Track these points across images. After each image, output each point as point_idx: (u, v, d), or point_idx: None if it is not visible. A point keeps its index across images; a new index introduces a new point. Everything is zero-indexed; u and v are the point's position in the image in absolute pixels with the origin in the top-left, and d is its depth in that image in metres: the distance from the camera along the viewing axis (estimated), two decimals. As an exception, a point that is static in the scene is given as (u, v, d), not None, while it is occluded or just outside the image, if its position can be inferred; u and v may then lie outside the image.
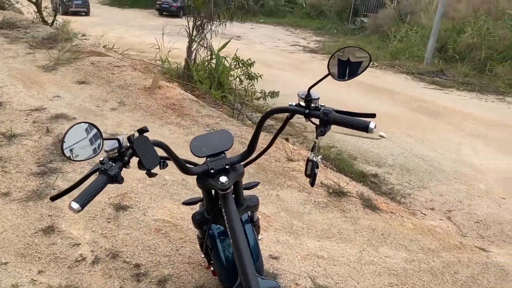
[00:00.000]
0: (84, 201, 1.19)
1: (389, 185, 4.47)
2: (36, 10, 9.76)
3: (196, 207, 1.97)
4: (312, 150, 1.46)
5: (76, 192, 1.20)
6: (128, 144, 1.30)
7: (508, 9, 12.20)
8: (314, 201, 3.43)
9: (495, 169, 5.19)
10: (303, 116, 1.43)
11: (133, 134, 1.30)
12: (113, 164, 1.25)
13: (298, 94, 1.44)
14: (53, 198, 1.27)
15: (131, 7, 27.49)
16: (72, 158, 1.26)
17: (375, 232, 3.16)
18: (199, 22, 6.81)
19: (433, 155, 5.48)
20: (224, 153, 1.65)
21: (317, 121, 1.40)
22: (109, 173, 1.23)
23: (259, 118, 1.55)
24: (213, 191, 1.70)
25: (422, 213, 3.87)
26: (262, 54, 12.50)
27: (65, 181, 3.23)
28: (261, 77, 5.54)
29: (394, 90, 9.16)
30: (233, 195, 1.68)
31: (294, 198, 3.44)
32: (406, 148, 5.66)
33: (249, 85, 5.68)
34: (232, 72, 6.31)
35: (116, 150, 1.26)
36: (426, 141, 6.00)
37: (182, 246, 2.68)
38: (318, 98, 1.41)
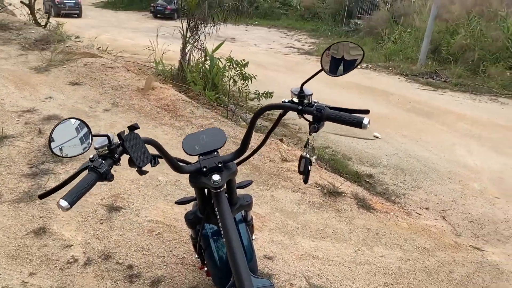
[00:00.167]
0: (73, 198, 1.16)
1: (383, 185, 4.46)
2: (29, 12, 9.71)
3: (189, 207, 1.95)
4: (305, 147, 1.45)
5: (65, 190, 1.17)
6: (118, 141, 1.27)
7: (500, 11, 12.28)
8: (309, 201, 3.41)
9: (489, 169, 5.20)
10: (296, 113, 1.42)
11: (123, 131, 1.28)
12: (103, 161, 1.22)
13: (291, 91, 1.42)
14: (41, 196, 1.24)
15: (125, 10, 27.42)
16: (60, 155, 1.24)
17: (370, 232, 3.15)
18: (193, 24, 6.80)
19: (428, 155, 5.49)
20: (217, 151, 1.64)
21: (310, 117, 1.39)
22: (98, 170, 1.20)
23: (252, 115, 1.53)
24: (206, 190, 1.68)
25: (416, 212, 3.86)
26: (256, 56, 12.50)
27: (57, 183, 3.18)
28: (255, 78, 5.53)
29: (388, 91, 9.18)
30: (226, 194, 1.66)
31: (288, 198, 3.42)
32: (400, 148, 5.67)
33: (243, 86, 5.66)
34: (226, 73, 6.29)
35: (106, 147, 1.24)
36: (420, 142, 6.01)
37: (175, 247, 2.65)
38: (311, 94, 1.40)
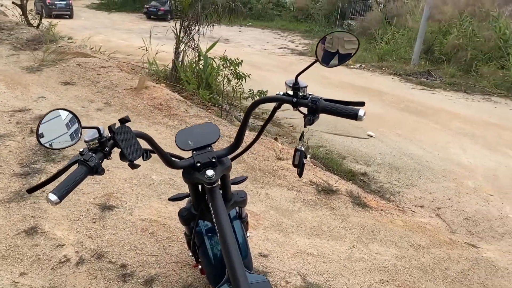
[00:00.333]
0: (63, 192, 1.12)
1: (378, 183, 4.46)
2: (21, 13, 9.65)
3: (183, 204, 1.92)
4: (300, 139, 1.43)
5: (54, 186, 1.14)
6: (109, 134, 1.25)
7: (492, 11, 12.37)
8: (304, 199, 3.40)
9: (483, 166, 5.22)
10: (290, 105, 1.40)
11: (114, 124, 1.26)
12: (93, 154, 1.19)
13: (285, 83, 1.41)
14: (30, 191, 1.21)
15: (118, 11, 27.31)
16: (48, 146, 1.21)
17: (365, 229, 3.14)
18: (186, 23, 6.77)
19: (422, 153, 5.49)
20: (211, 146, 1.61)
21: (305, 110, 1.37)
22: (89, 164, 1.17)
23: (246, 109, 1.51)
24: (200, 186, 1.66)
25: (411, 210, 3.86)
26: (250, 56, 12.48)
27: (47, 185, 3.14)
28: (249, 77, 5.51)
29: (382, 90, 9.20)
30: (220, 190, 1.64)
31: (283, 197, 3.40)
32: (394, 147, 5.67)
33: (237, 85, 5.64)
34: (220, 73, 6.27)
35: (97, 141, 1.21)
36: (414, 140, 6.02)
37: (169, 246, 2.62)
38: (306, 86, 1.38)
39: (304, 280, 2.47)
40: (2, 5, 11.11)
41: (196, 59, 6.92)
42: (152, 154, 1.42)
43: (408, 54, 13.16)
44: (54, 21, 9.57)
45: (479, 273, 2.84)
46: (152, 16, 23.90)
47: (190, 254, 2.15)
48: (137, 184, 3.28)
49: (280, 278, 2.46)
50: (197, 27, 6.82)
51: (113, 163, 3.42)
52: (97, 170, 1.19)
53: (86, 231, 2.69)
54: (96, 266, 2.41)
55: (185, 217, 1.77)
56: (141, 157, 1.33)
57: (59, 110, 1.23)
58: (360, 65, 12.41)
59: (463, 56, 11.70)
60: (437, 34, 13.11)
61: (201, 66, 6.80)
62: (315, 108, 1.33)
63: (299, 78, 1.37)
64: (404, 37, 14.34)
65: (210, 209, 1.51)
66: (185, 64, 6.97)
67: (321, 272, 2.58)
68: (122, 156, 1.26)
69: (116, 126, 1.25)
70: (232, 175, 1.66)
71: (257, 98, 5.50)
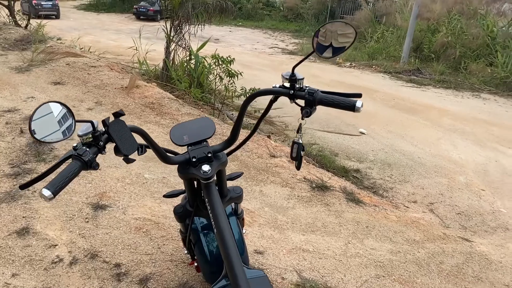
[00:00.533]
0: (56, 188, 1.10)
1: (371, 180, 4.47)
2: (8, 14, 9.54)
3: (178, 201, 1.90)
4: (297, 132, 1.42)
5: (46, 182, 1.11)
6: (103, 128, 1.23)
7: (480, 9, 12.50)
8: (298, 196, 3.39)
9: (474, 162, 5.26)
10: (287, 98, 1.38)
11: (108, 118, 1.23)
12: (87, 149, 1.17)
13: (282, 75, 1.39)
14: (22, 187, 1.18)
15: (107, 12, 27.11)
16: (40, 140, 1.18)
17: (359, 225, 3.14)
18: (177, 22, 6.73)
19: (413, 150, 5.52)
20: (206, 141, 1.59)
21: (302, 102, 1.36)
22: (83, 158, 1.15)
23: (242, 102, 1.49)
24: (195, 182, 1.64)
25: (405, 206, 3.87)
26: (241, 56, 12.45)
27: (39, 182, 3.10)
28: (241, 75, 5.49)
29: (372, 88, 9.23)
30: (216, 186, 1.62)
31: (277, 193, 3.39)
32: (386, 143, 5.69)
33: (229, 83, 5.61)
34: (213, 71, 6.23)
35: (90, 135, 1.19)
36: (405, 137, 6.05)
37: (164, 244, 2.60)
38: (303, 79, 1.37)
39: (300, 276, 2.47)
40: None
41: (187, 58, 6.88)
42: (147, 150, 1.39)
43: (397, 52, 13.24)
44: (43, 21, 9.48)
45: (473, 266, 2.86)
46: (141, 17, 23.76)
47: (186, 251, 2.12)
48: (130, 183, 3.24)
49: (276, 275, 2.45)
50: (187, 26, 6.78)
51: (105, 162, 3.38)
52: (92, 164, 1.17)
53: (79, 231, 2.66)
54: (90, 266, 2.37)
55: (180, 214, 1.75)
56: (136, 152, 1.31)
57: (52, 103, 1.20)
58: (351, 64, 12.46)
59: (452, 53, 11.80)
60: (426, 32, 13.21)
61: (192, 65, 6.77)
62: (312, 100, 1.32)
63: (295, 70, 1.36)
64: (393, 35, 14.43)
65: (206, 205, 1.49)
66: (176, 63, 6.93)
67: (317, 268, 2.57)
68: (117, 151, 1.23)
69: (110, 120, 1.23)
70: (226, 172, 1.64)
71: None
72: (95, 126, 1.19)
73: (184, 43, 6.83)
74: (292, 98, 1.36)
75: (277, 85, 1.41)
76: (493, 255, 3.07)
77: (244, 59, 11.52)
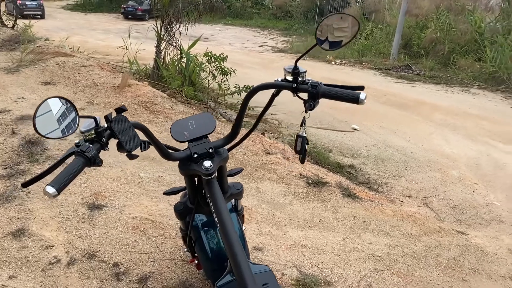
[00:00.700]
0: (61, 185, 1.08)
1: (365, 175, 4.48)
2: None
3: (175, 199, 1.89)
4: (301, 125, 1.41)
5: (46, 180, 1.09)
6: (106, 124, 1.21)
7: (468, 5, 12.62)
8: (294, 192, 3.39)
9: (466, 156, 5.31)
10: (290, 91, 1.37)
11: (111, 113, 1.22)
12: (90, 145, 1.16)
13: (284, 69, 1.39)
14: (25, 185, 1.16)
15: (94, 12, 26.85)
16: (45, 136, 1.16)
17: (356, 220, 3.15)
18: (167, 21, 6.69)
19: (406, 145, 5.56)
20: (207, 137, 1.58)
21: (305, 95, 1.35)
22: (86, 155, 1.13)
23: (244, 97, 1.48)
24: (196, 179, 1.63)
25: (400, 200, 3.89)
26: (231, 54, 12.32)
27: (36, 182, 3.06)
28: (234, 72, 5.46)
29: (363, 85, 9.25)
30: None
31: (274, 190, 3.39)
32: (379, 139, 5.72)
33: (222, 81, 5.59)
34: (206, 69, 6.18)
35: (93, 131, 1.17)
36: (398, 132, 6.09)
37: (162, 243, 2.58)
38: (305, 72, 1.36)
39: (300, 272, 2.47)
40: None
41: (178, 57, 6.83)
42: (149, 146, 1.38)
43: (387, 49, 13.32)
44: (32, 21, 9.36)
45: (470, 259, 2.88)
46: (129, 16, 23.59)
47: (185, 249, 2.11)
48: (125, 182, 3.22)
49: (276, 271, 2.44)
50: (178, 25, 6.74)
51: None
52: (95, 161, 1.16)
53: (76, 231, 2.63)
54: (88, 266, 2.35)
55: (181, 211, 1.74)
56: (139, 148, 1.30)
57: (56, 98, 1.18)
58: (341, 61, 12.51)
59: (440, 49, 11.90)
60: (415, 29, 13.31)
61: (183, 64, 6.73)
62: (315, 93, 1.32)
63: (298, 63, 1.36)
64: (382, 32, 14.52)
65: (208, 201, 1.48)
66: (167, 62, 6.88)
67: (316, 263, 2.57)
68: (120, 147, 1.22)
69: (113, 116, 1.22)
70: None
71: (244, 93, 5.47)
72: (98, 122, 1.18)
73: (175, 41, 6.79)
74: (295, 91, 1.36)
75: (279, 79, 1.41)
76: (489, 247, 3.10)
77: (235, 58, 11.46)
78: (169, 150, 1.49)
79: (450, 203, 3.98)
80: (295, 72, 1.34)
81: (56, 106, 1.17)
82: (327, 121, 6.26)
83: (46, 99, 1.17)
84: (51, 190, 1.06)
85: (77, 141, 1.18)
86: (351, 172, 4.51)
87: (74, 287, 2.20)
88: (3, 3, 12.71)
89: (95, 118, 1.17)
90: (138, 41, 7.46)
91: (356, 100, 1.28)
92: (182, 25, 6.71)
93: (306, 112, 1.33)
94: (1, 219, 2.67)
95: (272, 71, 10.48)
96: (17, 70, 5.53)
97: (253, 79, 8.28)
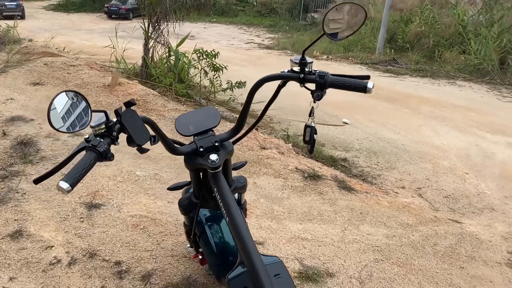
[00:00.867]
0: (74, 180, 1.07)
1: (359, 168, 4.52)
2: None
3: (175, 196, 1.88)
4: (309, 116, 1.42)
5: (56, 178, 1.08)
6: (116, 119, 1.20)
7: (451, -1, 12.79)
8: (291, 186, 3.41)
9: (455, 147, 5.38)
10: (297, 82, 1.38)
11: (121, 107, 1.21)
12: (101, 140, 1.15)
13: (291, 60, 1.39)
14: (36, 181, 1.14)
15: (77, 12, 26.47)
16: (59, 130, 1.15)
17: (354, 212, 3.18)
18: (155, 18, 6.63)
19: (397, 137, 5.61)
20: (212, 131, 1.58)
21: (312, 86, 1.36)
22: (98, 149, 1.12)
23: (249, 90, 1.48)
24: (201, 174, 1.62)
25: (394, 192, 3.94)
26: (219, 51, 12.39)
27: (29, 184, 3.03)
28: (226, 68, 5.45)
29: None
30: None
31: (271, 185, 3.40)
32: (370, 132, 5.76)
33: (214, 77, 5.56)
34: (196, 66, 6.15)
35: (104, 125, 1.16)
36: (388, 125, 6.14)
37: (163, 240, 2.57)
38: (312, 62, 1.37)
39: (302, 264, 2.48)
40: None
41: (166, 54, 6.79)
42: (159, 140, 1.38)
43: (372, 43, 13.41)
44: (8, 22, 9.18)
45: (466, 246, 2.93)
46: (113, 16, 23.31)
47: (189, 245, 2.11)
48: (121, 181, 3.19)
49: (278, 264, 2.45)
50: (166, 23, 6.69)
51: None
52: (107, 155, 1.15)
53: (75, 231, 2.60)
54: (90, 265, 2.33)
55: (185, 206, 1.74)
56: (149, 142, 1.29)
57: (68, 92, 1.17)
58: (327, 56, 12.55)
59: (425, 43, 12.03)
60: (400, 23, 13.42)
61: (172, 62, 6.69)
62: (323, 83, 1.32)
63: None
64: (367, 27, 14.59)
65: (214, 195, 1.49)
66: (156, 60, 6.83)
67: (317, 255, 2.59)
68: (130, 141, 1.21)
69: (122, 110, 1.21)
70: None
71: (236, 89, 5.46)
72: (109, 116, 1.17)
73: (163, 39, 6.74)
74: (302, 82, 1.36)
75: (286, 70, 1.41)
76: (483, 234, 3.15)
77: (222, 55, 11.32)
78: (175, 145, 1.48)
79: (443, 193, 4.04)
80: (303, 62, 1.34)
81: (69, 100, 1.16)
82: (318, 116, 6.23)
83: (59, 93, 1.16)
84: (64, 185, 1.05)
85: (86, 136, 1.17)
86: (344, 165, 4.55)
87: (77, 286, 2.19)
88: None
89: (105, 112, 1.16)
90: (124, 40, 7.37)
91: (364, 89, 1.29)
92: (169, 23, 6.67)
93: (314, 102, 1.34)
94: (-3, 221, 2.64)
95: (260, 67, 10.49)
96: (4, 71, 5.44)
97: (243, 75, 8.30)
